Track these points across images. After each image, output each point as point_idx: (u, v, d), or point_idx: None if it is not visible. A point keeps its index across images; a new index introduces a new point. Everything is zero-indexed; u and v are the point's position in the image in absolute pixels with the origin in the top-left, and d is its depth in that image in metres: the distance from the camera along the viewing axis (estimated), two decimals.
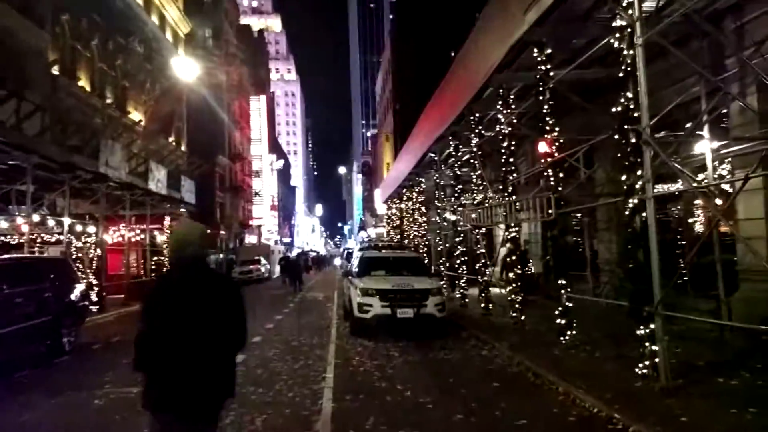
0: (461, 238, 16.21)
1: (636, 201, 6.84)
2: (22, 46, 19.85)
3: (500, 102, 11.60)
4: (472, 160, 13.88)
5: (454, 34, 38.80)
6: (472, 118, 13.67)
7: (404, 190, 28.50)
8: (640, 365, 6.78)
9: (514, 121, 11.44)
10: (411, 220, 25.94)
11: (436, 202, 19.09)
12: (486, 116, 14.14)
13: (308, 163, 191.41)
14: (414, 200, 25.87)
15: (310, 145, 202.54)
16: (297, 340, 11.40)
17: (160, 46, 35.10)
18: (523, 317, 11.30)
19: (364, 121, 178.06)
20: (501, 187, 11.60)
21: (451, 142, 16.03)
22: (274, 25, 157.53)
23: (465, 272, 16.05)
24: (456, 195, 16.19)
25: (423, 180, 23.36)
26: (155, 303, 3.01)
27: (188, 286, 2.98)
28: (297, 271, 26.52)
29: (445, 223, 18.95)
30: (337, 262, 61.54)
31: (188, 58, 32.30)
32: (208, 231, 3.65)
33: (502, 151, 11.49)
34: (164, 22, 37.68)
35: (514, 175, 11.58)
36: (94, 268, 20.03)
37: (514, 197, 11.34)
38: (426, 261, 13.91)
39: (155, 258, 28.64)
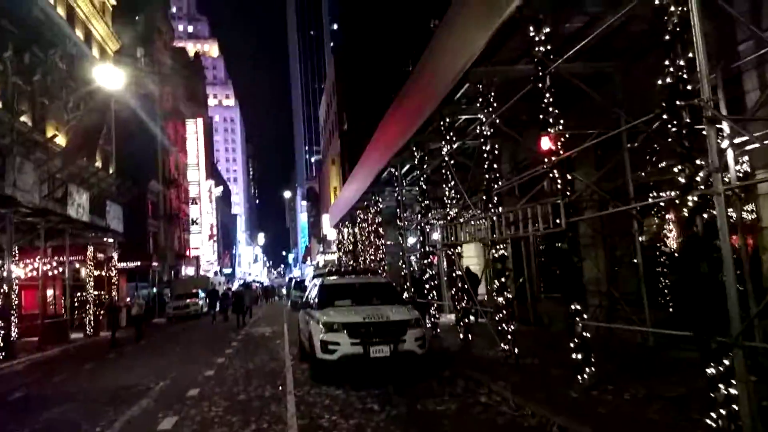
0: (429, 261, 14.44)
1: (696, 198, 5.28)
2: None
3: (480, 100, 10.04)
4: (443, 171, 12.22)
5: (400, 53, 37.95)
6: (441, 123, 12.06)
7: (358, 212, 26.63)
8: (713, 414, 5.13)
9: (497, 121, 9.86)
10: (367, 243, 24.03)
11: (397, 221, 17.32)
12: (456, 122, 12.62)
13: (249, 190, 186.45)
14: (369, 222, 24.04)
15: (251, 172, 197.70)
16: (245, 391, 9.16)
17: (84, 62, 32.09)
18: (516, 350, 9.56)
19: (307, 147, 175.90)
20: (484, 198, 9.94)
21: (416, 153, 14.37)
22: (212, 50, 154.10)
23: (435, 299, 14.28)
24: (422, 212, 14.48)
25: (380, 200, 21.61)
26: None
27: None
28: (241, 305, 23.93)
29: (408, 245, 17.19)
30: (283, 292, 58.41)
31: (116, 69, 29.51)
32: None
33: (485, 155, 9.87)
34: (90, 38, 34.74)
35: (500, 183, 9.95)
36: None
37: (500, 208, 9.71)
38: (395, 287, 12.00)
39: (78, 294, 25.39)
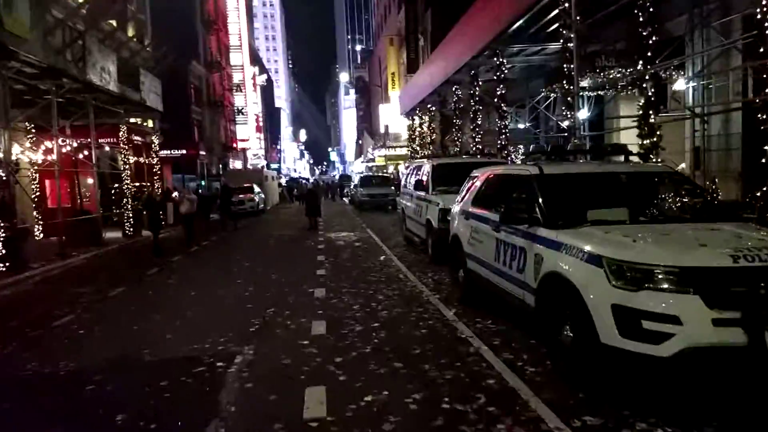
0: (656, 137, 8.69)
1: None
2: None
3: None
4: None
5: None
6: None
7: (455, 89, 20.65)
8: None
9: None
10: (473, 126, 18.27)
11: (564, 84, 11.32)
12: None
13: (291, 84, 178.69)
14: (476, 99, 18.11)
15: (290, 65, 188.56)
16: (435, 413, 4.08)
17: None
18: None
19: (349, 36, 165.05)
20: None
21: None
22: None
23: None
24: (648, 57, 8.53)
25: (505, 62, 15.52)
26: None
27: None
28: (315, 204, 18.95)
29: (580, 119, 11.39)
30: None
31: None
32: None
33: None
34: None
35: None
36: None
37: None
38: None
39: (116, 185, 20.72)
